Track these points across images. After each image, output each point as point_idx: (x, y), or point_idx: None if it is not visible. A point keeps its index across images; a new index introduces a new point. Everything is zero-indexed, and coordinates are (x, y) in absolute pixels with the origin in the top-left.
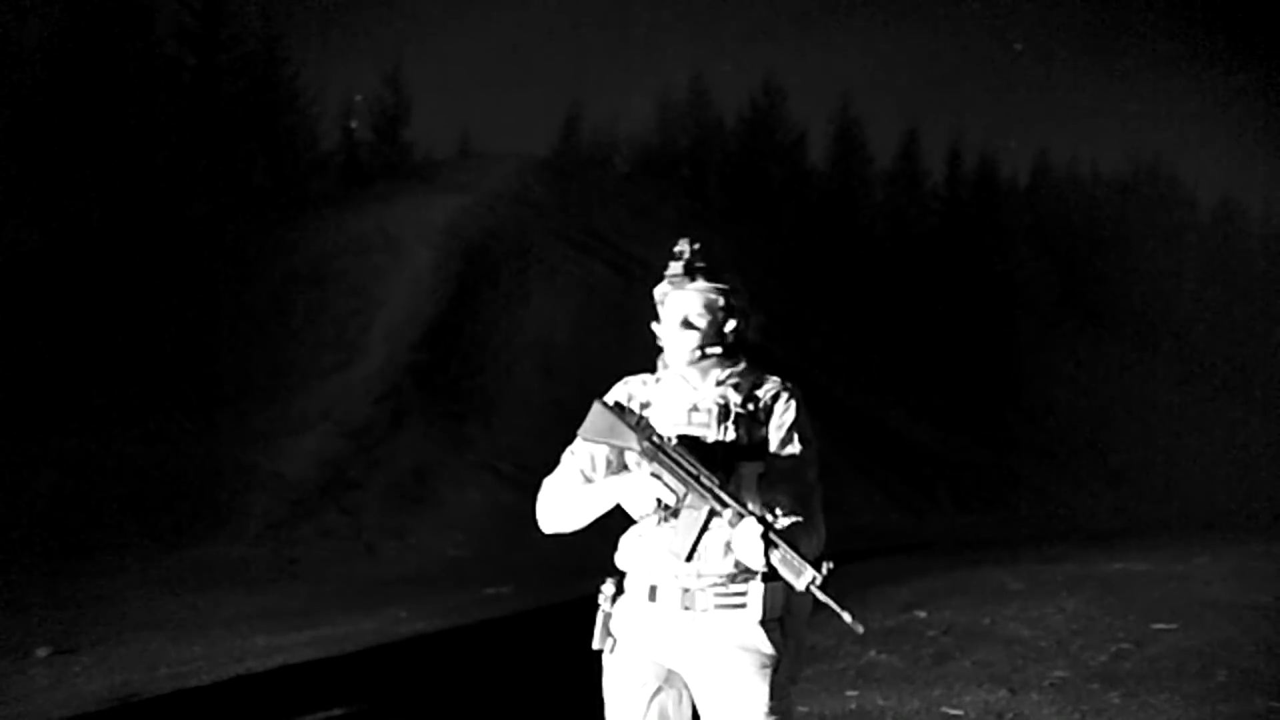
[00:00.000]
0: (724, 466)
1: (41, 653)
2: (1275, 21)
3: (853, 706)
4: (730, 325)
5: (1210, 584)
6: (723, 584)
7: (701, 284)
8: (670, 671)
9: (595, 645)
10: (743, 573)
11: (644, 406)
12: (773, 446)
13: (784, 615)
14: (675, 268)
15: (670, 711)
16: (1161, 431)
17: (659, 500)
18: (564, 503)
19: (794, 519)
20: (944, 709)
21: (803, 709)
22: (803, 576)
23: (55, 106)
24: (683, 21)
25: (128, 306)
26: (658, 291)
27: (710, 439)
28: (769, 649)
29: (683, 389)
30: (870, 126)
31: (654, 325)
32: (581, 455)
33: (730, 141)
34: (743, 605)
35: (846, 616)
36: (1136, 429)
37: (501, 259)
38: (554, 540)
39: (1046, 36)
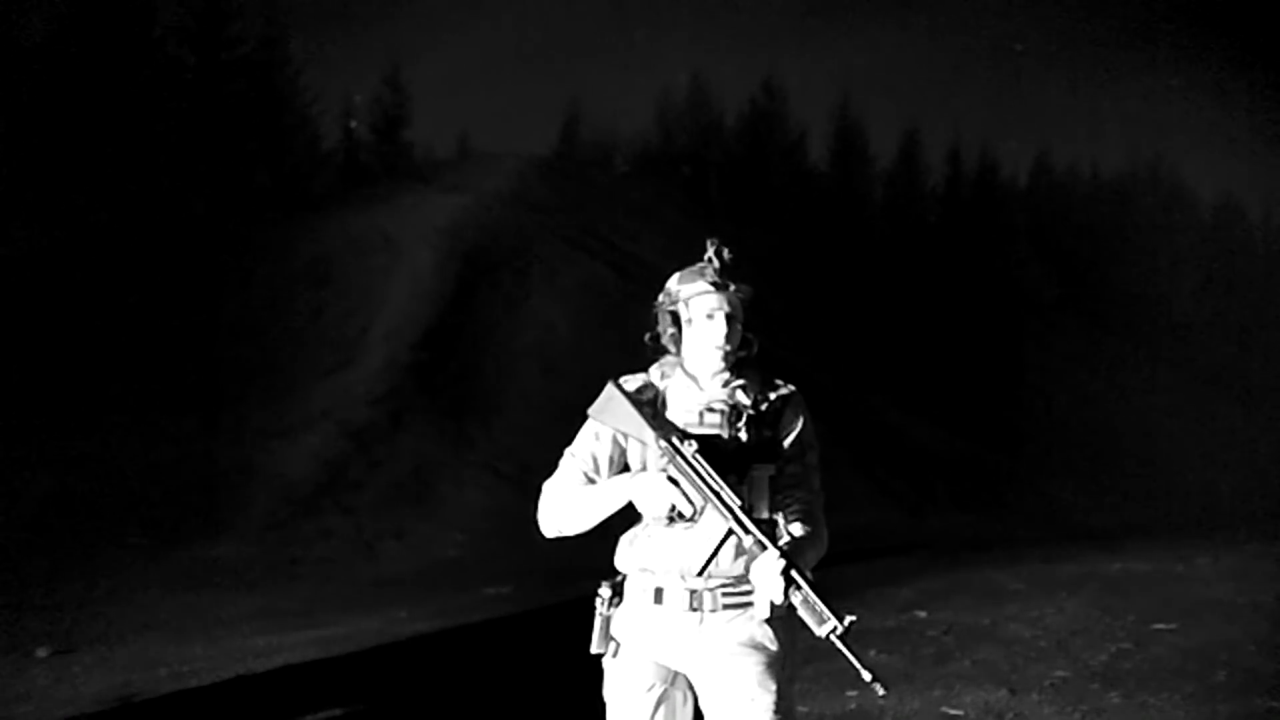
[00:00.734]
0: (737, 469)
1: (41, 653)
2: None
3: (853, 706)
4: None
5: (1210, 584)
6: (730, 584)
7: (739, 286)
8: (675, 674)
9: (594, 650)
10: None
11: (660, 403)
12: (782, 452)
13: (787, 614)
14: (709, 271)
15: (676, 713)
16: (1161, 431)
17: (673, 506)
18: (569, 505)
19: (804, 529)
20: (944, 709)
21: (803, 709)
22: (824, 626)
23: (56, 106)
24: (683, 21)
25: (128, 306)
26: (681, 290)
27: (723, 440)
28: (775, 646)
29: (692, 389)
30: (870, 126)
31: (661, 325)
32: (583, 456)
33: (730, 141)
34: (749, 604)
35: (867, 675)
36: (1136, 429)
37: (501, 259)
38: (554, 540)
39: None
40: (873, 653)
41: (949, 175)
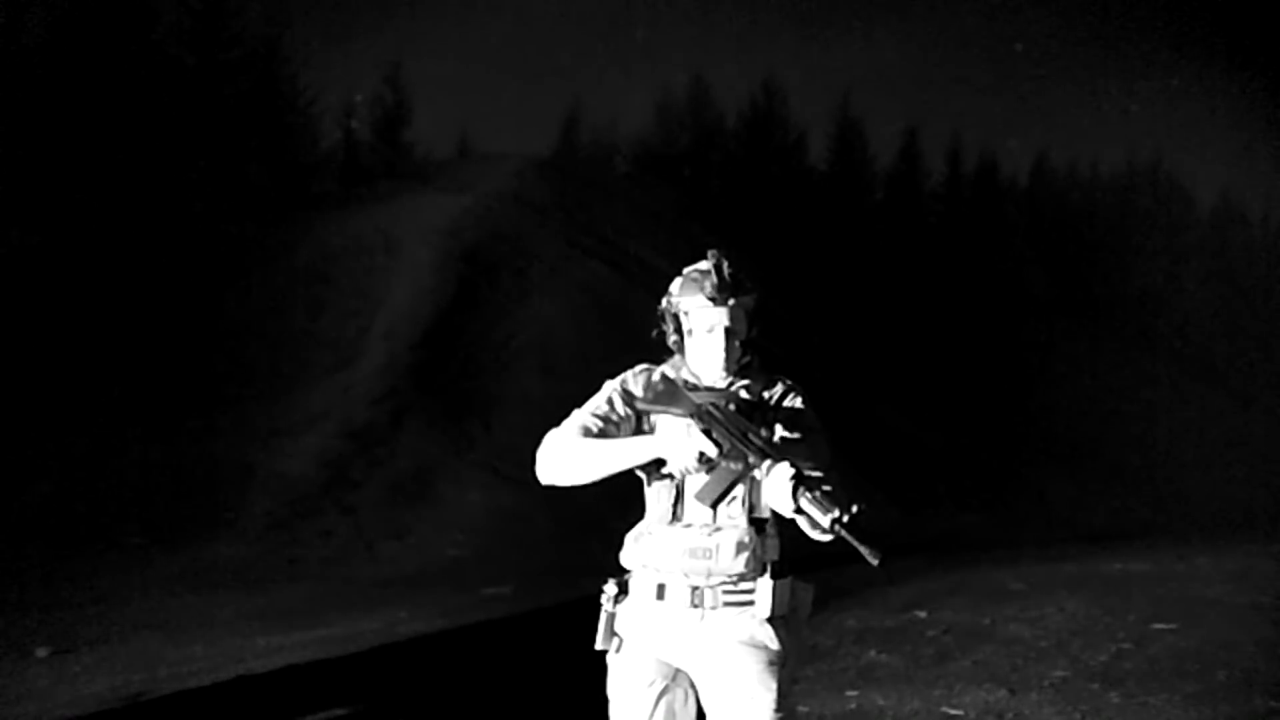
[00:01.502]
0: (749, 424)
1: (41, 653)
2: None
3: (853, 706)
4: (752, 333)
5: (1210, 584)
6: (732, 582)
7: (738, 299)
8: (676, 670)
9: (599, 646)
10: (752, 571)
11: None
12: (783, 430)
13: (788, 614)
14: (709, 285)
15: (677, 710)
16: (1161, 431)
17: (701, 454)
18: (581, 452)
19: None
20: (944, 709)
21: (803, 709)
22: (829, 514)
23: (55, 106)
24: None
25: (127, 306)
26: (681, 301)
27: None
28: (776, 645)
29: (697, 388)
30: (870, 126)
31: (664, 331)
32: (601, 414)
33: (730, 141)
34: (751, 603)
35: (865, 550)
36: (1136, 429)
37: (501, 259)
38: (554, 540)
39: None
40: (873, 653)
41: (949, 175)
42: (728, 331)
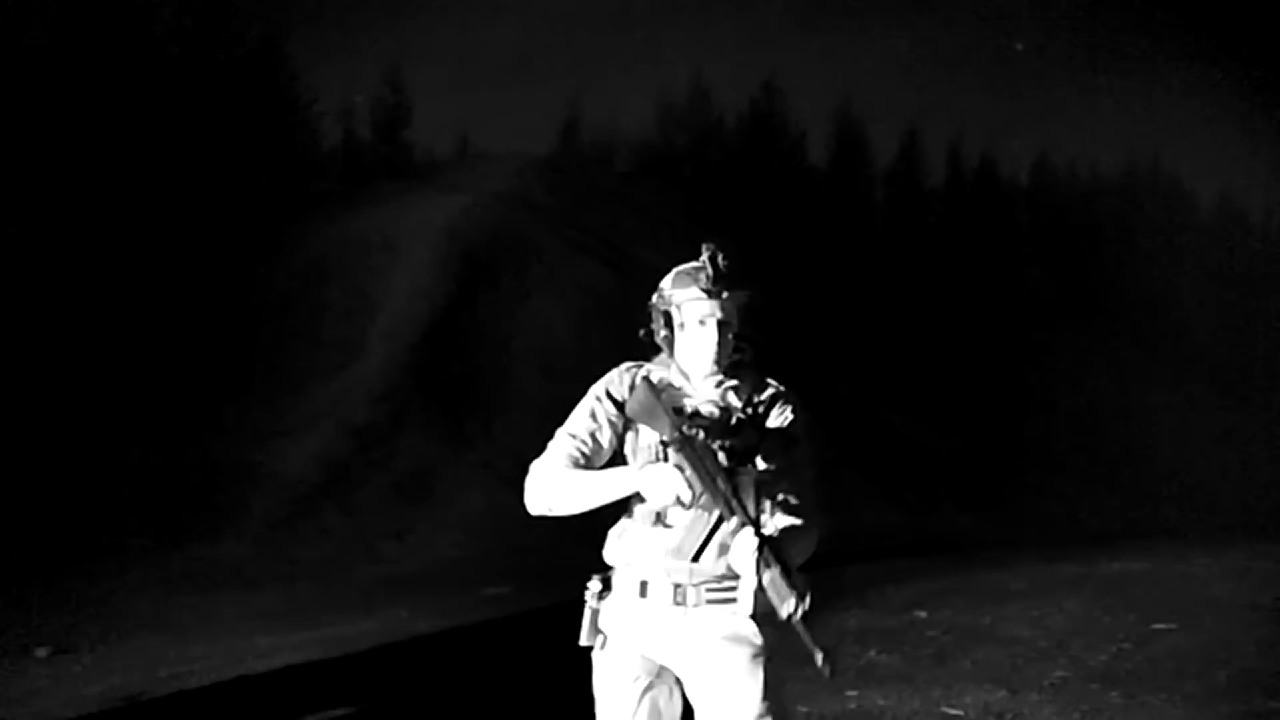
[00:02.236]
0: (724, 470)
1: (41, 653)
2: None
3: (853, 706)
4: (745, 329)
5: (1210, 584)
6: (713, 581)
7: (732, 293)
8: (661, 667)
9: (583, 642)
10: (735, 574)
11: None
12: (770, 449)
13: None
14: (703, 278)
15: (662, 707)
16: (1162, 431)
17: (677, 496)
18: (566, 485)
19: (791, 520)
20: (944, 709)
21: (803, 709)
22: (785, 605)
23: (55, 107)
24: (683, 21)
25: (127, 307)
26: (674, 295)
27: (713, 443)
28: (759, 640)
29: (684, 389)
30: (870, 126)
31: (655, 324)
32: (582, 437)
33: (730, 141)
34: (734, 600)
35: (818, 658)
36: (1137, 429)
37: (501, 259)
38: (554, 540)
39: (1046, 36)
40: (873, 653)
41: (949, 175)
42: (720, 324)
